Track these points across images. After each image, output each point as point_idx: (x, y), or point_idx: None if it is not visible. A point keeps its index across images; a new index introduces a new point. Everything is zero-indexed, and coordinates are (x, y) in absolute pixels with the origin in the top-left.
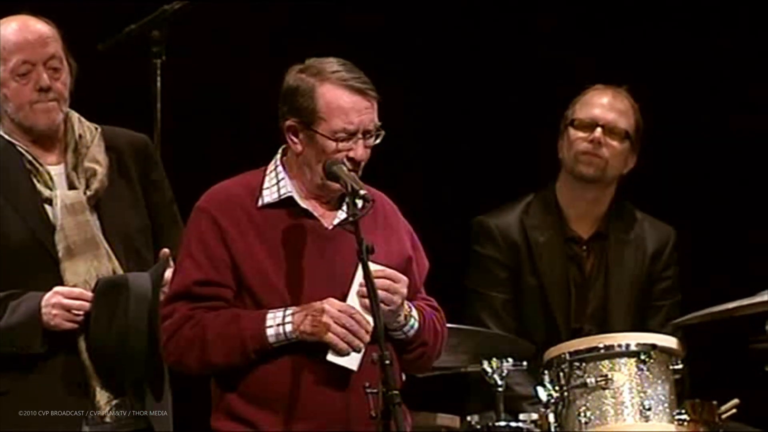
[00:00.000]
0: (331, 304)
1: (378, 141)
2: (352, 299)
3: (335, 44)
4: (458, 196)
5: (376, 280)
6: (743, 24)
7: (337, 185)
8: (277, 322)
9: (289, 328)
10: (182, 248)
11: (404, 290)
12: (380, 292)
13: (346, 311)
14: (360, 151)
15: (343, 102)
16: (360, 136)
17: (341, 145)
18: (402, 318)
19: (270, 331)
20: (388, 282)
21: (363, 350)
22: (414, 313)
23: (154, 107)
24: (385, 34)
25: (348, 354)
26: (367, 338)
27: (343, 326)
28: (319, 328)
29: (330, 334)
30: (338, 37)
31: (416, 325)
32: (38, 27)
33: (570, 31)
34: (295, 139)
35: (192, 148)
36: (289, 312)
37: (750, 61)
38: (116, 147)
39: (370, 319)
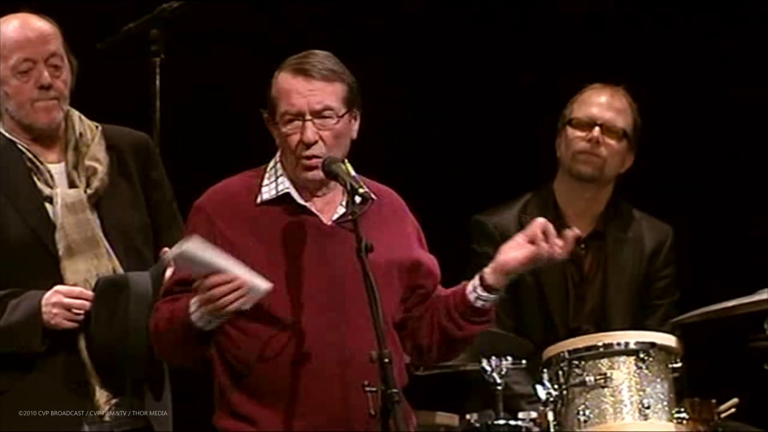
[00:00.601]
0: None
1: (337, 124)
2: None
3: (335, 43)
4: (456, 194)
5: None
6: (742, 23)
7: (310, 174)
8: (196, 306)
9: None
10: None
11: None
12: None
13: (219, 282)
14: (308, 133)
15: (286, 85)
16: (308, 117)
17: (288, 128)
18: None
19: (194, 317)
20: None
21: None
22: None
23: (153, 106)
24: (386, 33)
25: (249, 300)
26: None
27: (225, 293)
28: (211, 307)
29: (231, 306)
30: (338, 36)
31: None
32: (39, 25)
33: (569, 29)
34: (273, 132)
35: (191, 147)
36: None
37: (750, 59)
38: (117, 146)
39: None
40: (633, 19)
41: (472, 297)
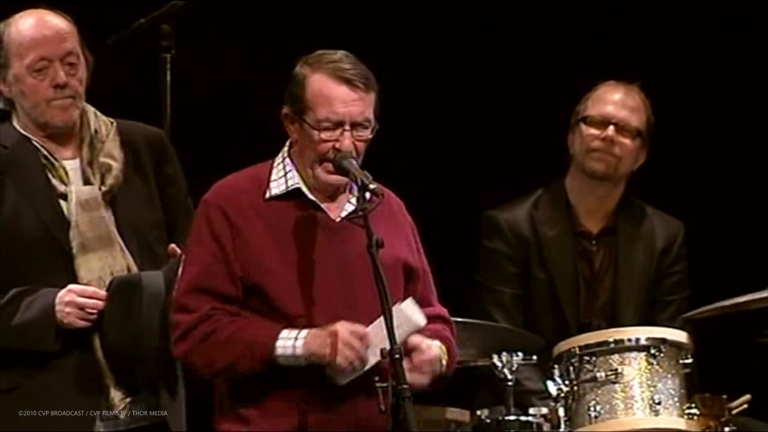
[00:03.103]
0: (342, 326)
1: (371, 135)
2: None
3: (345, 36)
4: (467, 190)
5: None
6: (753, 21)
7: (333, 178)
8: (291, 336)
9: (300, 344)
10: (192, 240)
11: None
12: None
13: (356, 333)
14: (346, 142)
15: (329, 91)
16: (347, 127)
17: (325, 134)
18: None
19: (279, 343)
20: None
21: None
22: (444, 358)
23: (163, 101)
24: (395, 27)
25: (350, 375)
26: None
27: (352, 349)
28: (330, 349)
29: (339, 357)
30: (348, 30)
31: (444, 369)
32: (56, 22)
33: (578, 25)
34: (291, 128)
35: (201, 142)
36: (303, 333)
37: (759, 56)
38: (131, 141)
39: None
40: (643, 14)
41: None
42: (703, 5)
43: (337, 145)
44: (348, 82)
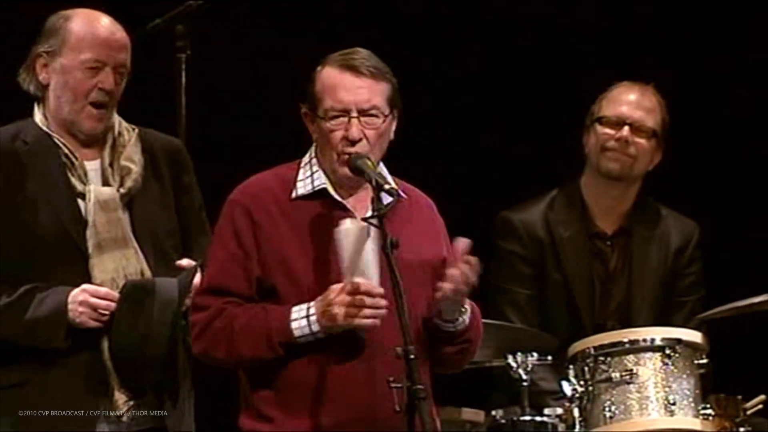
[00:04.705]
0: (333, 292)
1: (383, 124)
2: (345, 269)
3: (361, 36)
4: (482, 191)
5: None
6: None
7: (347, 172)
8: (302, 315)
9: (313, 320)
10: (216, 239)
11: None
12: (458, 275)
13: (351, 291)
14: (354, 130)
15: (333, 80)
16: (354, 114)
17: (333, 123)
18: (459, 311)
19: (294, 324)
20: (468, 268)
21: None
22: (467, 307)
23: (178, 102)
24: (410, 28)
25: (378, 324)
26: (382, 293)
27: (357, 305)
28: (335, 318)
29: (350, 320)
30: (363, 29)
31: (467, 321)
32: (119, 30)
33: (593, 25)
34: (311, 127)
35: (217, 144)
36: (312, 305)
37: None
38: (151, 149)
39: (374, 278)
40: (658, 13)
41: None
42: (720, 3)
43: (344, 132)
44: (353, 68)
